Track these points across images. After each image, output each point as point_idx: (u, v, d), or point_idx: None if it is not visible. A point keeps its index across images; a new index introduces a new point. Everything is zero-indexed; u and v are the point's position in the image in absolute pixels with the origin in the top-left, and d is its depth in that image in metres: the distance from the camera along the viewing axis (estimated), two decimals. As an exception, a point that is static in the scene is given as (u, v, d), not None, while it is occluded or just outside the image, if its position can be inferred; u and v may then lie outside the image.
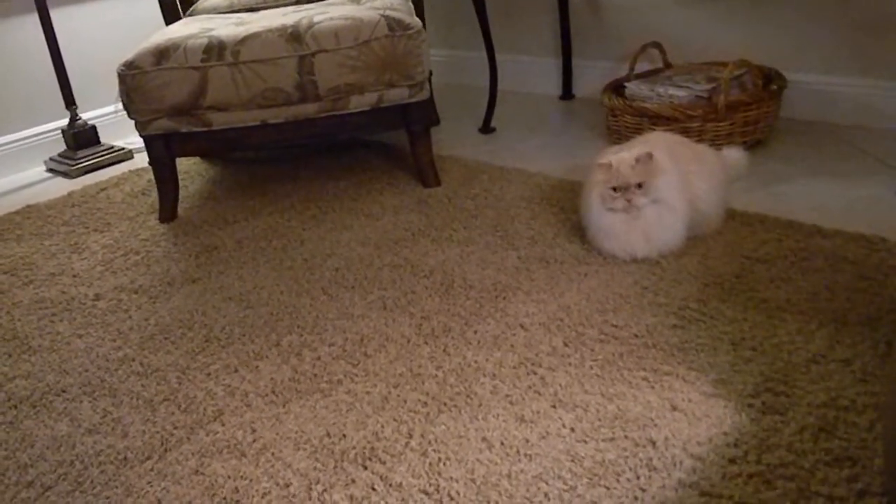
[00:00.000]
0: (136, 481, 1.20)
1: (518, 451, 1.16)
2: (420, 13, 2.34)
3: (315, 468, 1.18)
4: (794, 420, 1.15)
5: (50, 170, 2.77)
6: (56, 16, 2.68)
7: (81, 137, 2.74)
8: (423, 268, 1.75)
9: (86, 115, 2.84)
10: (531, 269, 1.69)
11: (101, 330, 1.65)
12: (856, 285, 1.48)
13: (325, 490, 1.14)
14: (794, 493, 1.03)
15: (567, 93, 2.94)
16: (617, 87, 2.40)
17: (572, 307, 1.52)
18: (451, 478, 1.13)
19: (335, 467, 1.18)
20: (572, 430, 1.19)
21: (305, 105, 2.06)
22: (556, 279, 1.64)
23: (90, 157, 2.72)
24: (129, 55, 2.03)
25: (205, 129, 2.08)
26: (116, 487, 1.20)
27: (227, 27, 2.09)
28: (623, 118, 2.25)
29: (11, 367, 1.56)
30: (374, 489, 1.13)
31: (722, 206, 1.75)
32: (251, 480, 1.18)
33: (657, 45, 2.46)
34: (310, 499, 1.12)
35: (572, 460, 1.13)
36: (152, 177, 2.26)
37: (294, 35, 1.99)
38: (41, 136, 2.82)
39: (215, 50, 1.99)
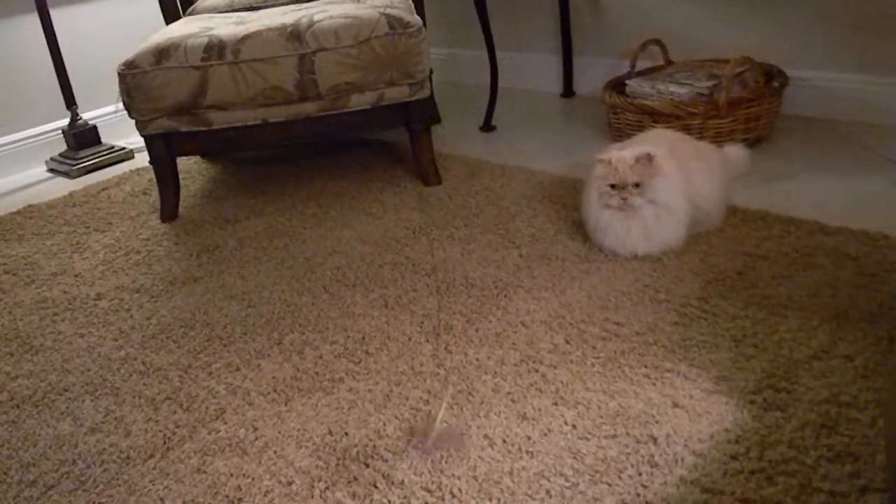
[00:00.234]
0: (139, 480, 1.21)
1: (520, 449, 1.16)
2: (420, 11, 2.34)
3: (317, 466, 1.18)
4: (795, 416, 1.15)
5: (51, 170, 2.77)
6: (56, 15, 2.68)
7: (82, 137, 2.74)
8: (425, 266, 1.75)
9: (86, 115, 2.84)
10: (532, 266, 1.69)
11: (103, 329, 1.66)
12: (857, 282, 1.47)
13: (327, 488, 1.14)
14: (796, 489, 1.03)
15: (568, 90, 2.93)
16: (618, 85, 2.39)
17: (574, 304, 1.52)
18: (453, 475, 1.13)
19: (337, 465, 1.18)
20: (574, 427, 1.19)
21: (306, 104, 2.06)
22: (558, 277, 1.64)
23: (91, 157, 2.72)
24: (129, 55, 2.03)
25: (205, 128, 2.08)
26: (119, 486, 1.20)
27: (228, 26, 2.09)
28: (624, 115, 2.25)
29: (14, 366, 1.56)
30: (376, 487, 1.13)
31: (723, 203, 1.75)
32: (253, 479, 1.18)
33: (658, 43, 2.46)
34: (312, 497, 1.13)
35: (574, 457, 1.13)
36: (153, 176, 2.27)
37: (294, 34, 1.99)
38: (42, 137, 2.82)
39: (215, 49, 1.99)
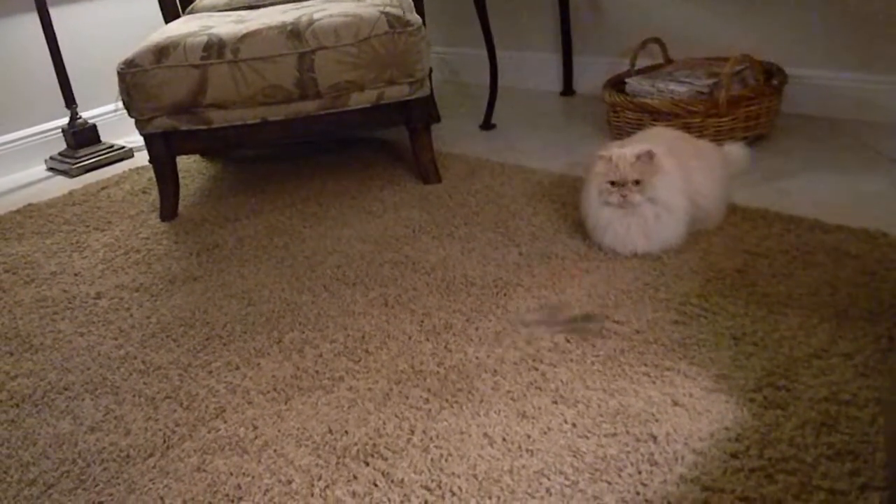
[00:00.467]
0: (139, 479, 1.21)
1: (520, 447, 1.16)
2: (420, 10, 2.34)
3: (317, 465, 1.18)
4: (795, 415, 1.15)
5: (50, 169, 2.77)
6: (56, 14, 2.68)
7: (82, 136, 2.74)
8: (424, 264, 1.75)
9: (86, 114, 2.84)
10: (532, 265, 1.69)
11: (103, 328, 1.66)
12: (857, 280, 1.47)
13: (326, 486, 1.14)
14: (796, 487, 1.03)
15: (568, 89, 2.93)
16: (618, 83, 2.39)
17: (573, 303, 1.52)
18: (453, 474, 1.13)
19: (337, 464, 1.18)
20: (574, 425, 1.19)
21: (305, 102, 2.06)
22: (558, 275, 1.63)
23: (91, 156, 2.72)
24: (128, 53, 2.03)
25: (205, 126, 2.08)
26: (119, 485, 1.20)
27: (227, 25, 2.09)
28: (624, 114, 2.25)
29: (13, 365, 1.56)
30: (375, 485, 1.13)
31: (723, 201, 1.75)
32: (253, 477, 1.18)
33: (658, 41, 2.46)
34: (312, 495, 1.13)
35: (574, 456, 1.13)
36: (153, 175, 2.27)
37: (294, 32, 1.99)
38: (41, 135, 2.82)
39: (215, 48, 1.99)
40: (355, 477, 1.15)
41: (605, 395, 1.25)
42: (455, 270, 1.71)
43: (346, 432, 1.25)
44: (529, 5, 2.97)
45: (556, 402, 1.25)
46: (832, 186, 1.89)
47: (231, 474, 1.19)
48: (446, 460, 1.16)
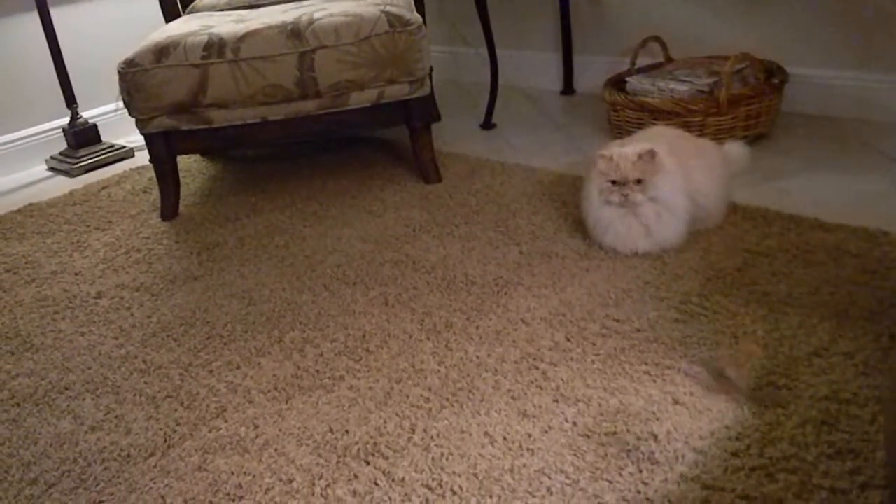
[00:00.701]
0: (140, 478, 1.21)
1: (520, 446, 1.16)
2: (420, 9, 2.34)
3: (318, 464, 1.18)
4: (796, 413, 1.15)
5: (51, 168, 2.77)
6: (56, 14, 2.68)
7: (82, 136, 2.74)
8: (425, 264, 1.75)
9: (86, 114, 2.84)
10: (533, 264, 1.69)
11: (104, 327, 1.66)
12: (858, 279, 1.47)
13: (327, 485, 1.14)
14: (797, 486, 1.03)
15: (568, 88, 2.93)
16: (618, 82, 2.39)
17: (574, 302, 1.52)
18: (454, 472, 1.13)
19: (338, 463, 1.18)
20: (574, 424, 1.19)
21: (306, 102, 2.06)
22: (558, 274, 1.64)
23: (91, 156, 2.72)
24: (129, 53, 2.03)
25: (205, 126, 2.08)
26: (120, 484, 1.20)
27: (227, 24, 2.09)
28: (624, 113, 2.25)
29: (14, 364, 1.56)
30: (376, 484, 1.13)
31: (724, 200, 1.75)
32: (254, 476, 1.18)
33: (658, 40, 2.46)
34: (313, 494, 1.13)
35: (574, 454, 1.13)
36: (153, 175, 2.27)
37: (294, 31, 1.99)
38: (42, 135, 2.82)
39: (215, 47, 1.99)
40: (356, 476, 1.15)
41: (605, 393, 1.25)
42: (455, 269, 1.71)
43: (347, 431, 1.25)
44: (530, 4, 2.97)
45: (556, 401, 1.25)
46: (832, 185, 1.89)
47: (232, 473, 1.19)
48: (447, 459, 1.16)
